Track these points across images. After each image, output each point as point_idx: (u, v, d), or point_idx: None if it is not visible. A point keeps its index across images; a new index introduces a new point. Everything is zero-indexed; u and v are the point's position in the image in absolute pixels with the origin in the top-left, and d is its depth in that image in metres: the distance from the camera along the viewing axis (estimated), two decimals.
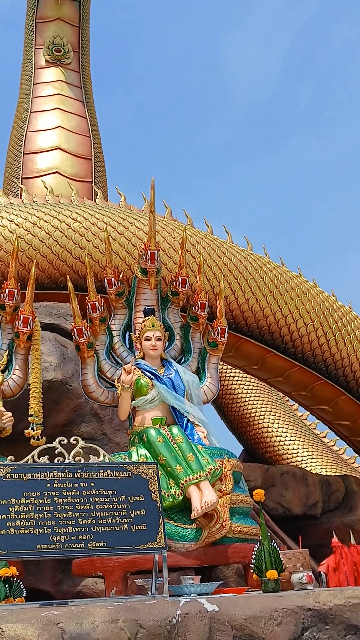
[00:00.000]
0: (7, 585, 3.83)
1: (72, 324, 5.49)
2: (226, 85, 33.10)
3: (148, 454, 4.81)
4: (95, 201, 8.73)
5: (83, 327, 5.42)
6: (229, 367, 10.17)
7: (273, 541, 4.27)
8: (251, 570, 4.27)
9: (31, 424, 5.15)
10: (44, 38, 11.12)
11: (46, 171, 10.13)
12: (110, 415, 6.89)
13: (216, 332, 5.70)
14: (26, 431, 5.11)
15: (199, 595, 3.92)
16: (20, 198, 8.64)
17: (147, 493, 3.99)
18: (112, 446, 6.74)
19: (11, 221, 7.69)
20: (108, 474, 4.00)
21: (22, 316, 5.31)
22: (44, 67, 11.00)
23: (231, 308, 7.88)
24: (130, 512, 3.90)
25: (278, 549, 4.22)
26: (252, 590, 4.40)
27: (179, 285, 5.75)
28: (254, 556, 4.15)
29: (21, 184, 9.75)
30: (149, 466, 4.12)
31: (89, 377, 5.50)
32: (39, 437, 5.12)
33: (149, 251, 5.67)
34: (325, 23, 32.65)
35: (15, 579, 3.87)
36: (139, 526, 3.87)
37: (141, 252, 5.82)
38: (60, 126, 10.48)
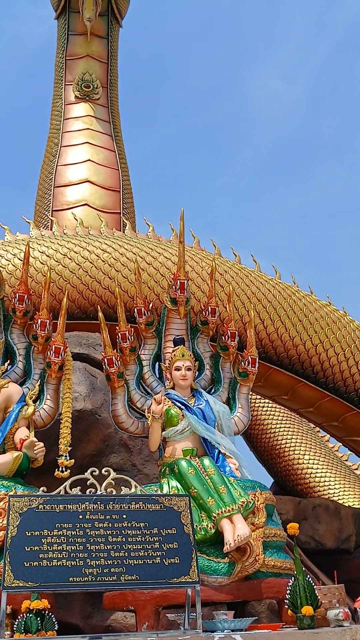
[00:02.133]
0: (39, 618, 3.79)
1: (103, 353, 5.52)
2: (252, 116, 33.52)
3: (179, 486, 4.76)
4: (124, 232, 8.84)
5: (113, 357, 5.45)
6: (259, 397, 10.08)
7: (308, 576, 4.17)
8: (286, 606, 4.16)
9: (64, 455, 5.14)
10: (74, 74, 11.42)
11: (76, 203, 10.31)
12: (139, 446, 6.85)
13: (247, 362, 5.68)
14: (59, 460, 5.11)
15: (232, 631, 3.84)
16: (51, 230, 8.80)
17: (179, 526, 3.94)
18: (142, 477, 6.69)
19: (42, 253, 7.83)
20: (140, 506, 3.97)
21: (54, 346, 5.36)
22: (74, 103, 11.27)
23: (260, 337, 7.85)
24: (163, 545, 3.85)
25: (313, 584, 4.11)
26: (286, 627, 4.29)
27: (208, 314, 5.76)
28: (288, 591, 4.05)
29: (52, 216, 9.94)
30: (181, 498, 4.08)
31: (119, 407, 5.51)
32: (64, 469, 5.10)
33: (178, 281, 5.71)
34: (350, 53, 32.99)
35: (47, 612, 3.83)
36: (171, 559, 3.82)
37: (170, 281, 5.86)
38: (89, 160, 10.69)
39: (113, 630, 5.88)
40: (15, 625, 3.83)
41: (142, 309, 5.71)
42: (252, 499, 4.76)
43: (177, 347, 5.60)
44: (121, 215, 10.47)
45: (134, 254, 8.01)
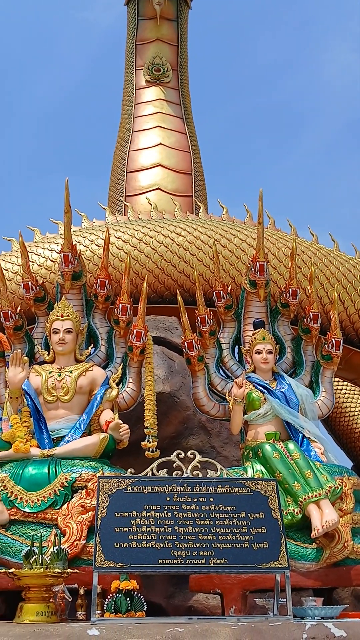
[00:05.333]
0: (128, 599, 3.84)
1: (183, 337, 5.52)
2: (322, 91, 32.43)
3: (264, 470, 4.72)
4: (197, 215, 8.78)
5: (193, 341, 5.44)
6: (337, 379, 9.85)
7: None
8: None
9: (147, 436, 5.20)
10: (144, 59, 11.38)
11: (148, 188, 10.31)
12: (218, 428, 6.84)
13: (330, 345, 5.53)
14: (143, 443, 5.17)
15: (323, 618, 3.77)
16: (125, 215, 8.86)
17: (267, 510, 3.90)
18: (221, 459, 6.66)
19: (118, 238, 7.88)
20: (227, 490, 3.95)
21: (135, 330, 5.40)
22: (145, 87, 11.24)
23: (340, 318, 7.61)
24: (251, 529, 3.82)
25: None
26: None
27: (289, 296, 5.64)
28: None
29: (125, 202, 10.00)
30: (268, 483, 4.03)
31: (200, 390, 5.51)
32: (154, 449, 5.17)
33: (257, 263, 5.61)
34: None
35: (136, 593, 3.88)
36: (260, 544, 3.79)
37: (249, 264, 5.77)
38: (161, 143, 10.64)
39: (196, 611, 5.93)
40: (105, 605, 3.90)
41: (221, 292, 5.66)
42: (339, 484, 4.66)
43: (257, 330, 5.53)
44: (193, 198, 10.39)
45: (209, 236, 7.93)
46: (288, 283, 5.69)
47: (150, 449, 5.11)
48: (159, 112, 10.91)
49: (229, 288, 5.74)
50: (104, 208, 8.82)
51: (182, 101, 11.27)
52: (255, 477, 4.59)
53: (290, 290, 5.63)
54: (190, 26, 12.14)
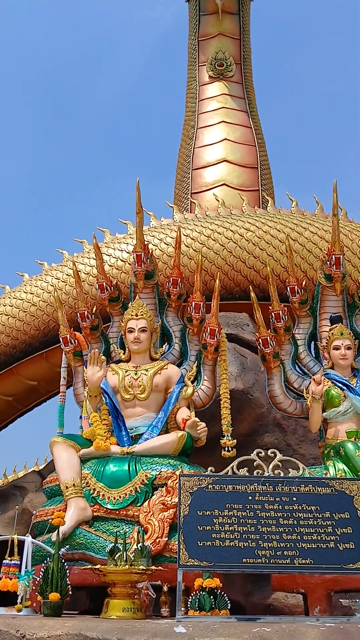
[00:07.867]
0: (212, 597, 3.84)
1: (257, 334, 5.46)
2: None
3: (346, 469, 4.62)
4: (266, 209, 8.68)
5: (268, 337, 5.37)
6: None
7: None
8: None
9: (226, 434, 5.18)
10: (207, 54, 11.34)
11: (214, 184, 10.27)
12: (293, 425, 6.73)
13: None
14: (222, 441, 5.16)
15: None
16: (192, 212, 8.86)
17: (352, 510, 3.80)
18: (297, 458, 6.49)
19: (187, 236, 7.89)
20: (310, 489, 3.87)
21: (209, 328, 5.39)
22: (208, 83, 11.20)
23: None
24: (336, 529, 3.74)
25: None
26: None
27: None
28: None
29: (191, 199, 10.00)
30: (353, 482, 3.92)
31: (276, 387, 5.44)
32: (229, 448, 5.14)
33: (333, 256, 5.48)
34: None
35: (219, 591, 3.87)
36: (346, 544, 3.70)
37: (324, 257, 5.65)
38: (225, 139, 10.58)
39: (274, 609, 5.87)
40: (189, 602, 3.92)
41: (295, 287, 5.56)
42: None
43: (334, 325, 5.41)
44: (260, 192, 10.27)
45: (278, 231, 7.83)
46: None
47: (227, 448, 5.08)
48: (223, 107, 10.84)
49: (304, 283, 5.63)
50: (171, 206, 8.85)
51: (247, 94, 11.16)
52: (338, 476, 4.49)
53: None
54: (252, 18, 12.01)
